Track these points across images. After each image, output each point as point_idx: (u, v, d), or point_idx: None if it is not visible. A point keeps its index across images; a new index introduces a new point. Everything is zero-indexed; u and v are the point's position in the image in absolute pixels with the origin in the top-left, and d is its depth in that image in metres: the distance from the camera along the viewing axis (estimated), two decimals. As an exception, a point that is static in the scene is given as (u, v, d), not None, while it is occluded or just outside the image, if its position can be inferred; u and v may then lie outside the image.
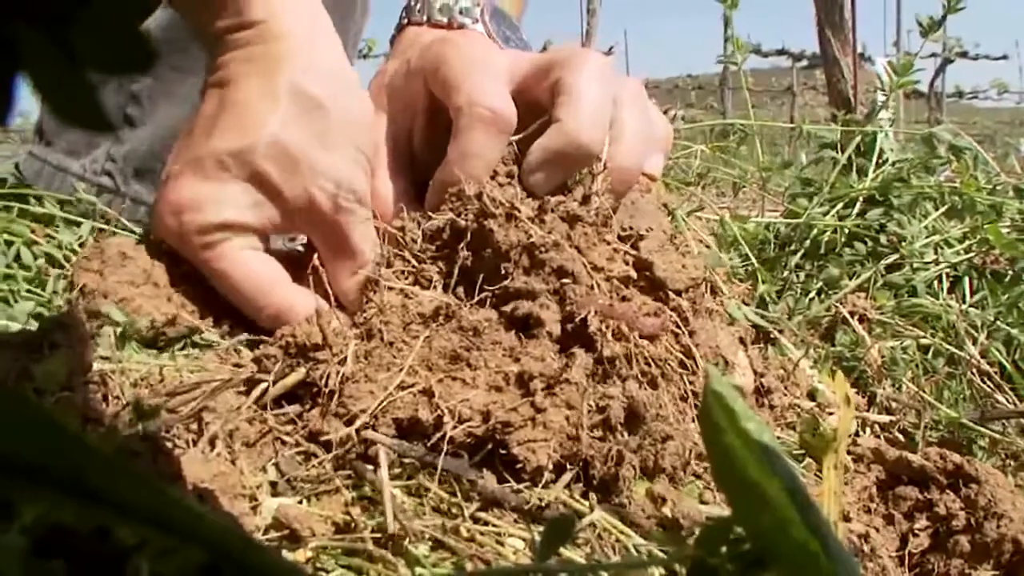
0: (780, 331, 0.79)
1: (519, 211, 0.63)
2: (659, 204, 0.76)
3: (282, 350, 0.59)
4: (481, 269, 0.64)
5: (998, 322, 0.89)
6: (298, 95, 0.68)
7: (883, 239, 0.96)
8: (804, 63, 16.87)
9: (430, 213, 0.69)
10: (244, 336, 0.69)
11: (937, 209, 1.01)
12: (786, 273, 0.96)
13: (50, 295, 0.72)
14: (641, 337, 0.60)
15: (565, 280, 0.61)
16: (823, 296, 0.92)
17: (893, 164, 1.05)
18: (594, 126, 0.68)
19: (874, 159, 1.05)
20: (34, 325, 0.62)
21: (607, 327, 0.58)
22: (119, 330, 0.61)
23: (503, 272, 0.62)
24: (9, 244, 0.77)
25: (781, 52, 16.52)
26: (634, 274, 0.66)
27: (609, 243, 0.67)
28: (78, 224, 0.82)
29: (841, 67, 2.59)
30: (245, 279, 0.69)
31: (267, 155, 0.67)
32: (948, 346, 0.85)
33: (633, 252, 0.67)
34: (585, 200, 0.68)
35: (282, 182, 0.67)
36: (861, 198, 1.01)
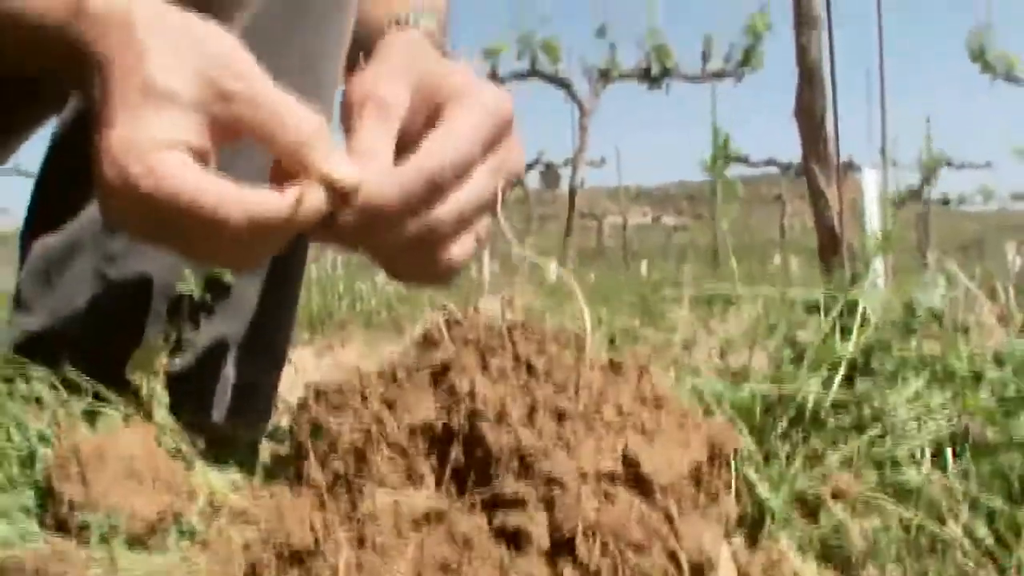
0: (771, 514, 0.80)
1: (510, 412, 0.65)
2: (651, 389, 0.78)
3: (275, 555, 0.60)
4: (472, 469, 0.65)
5: (981, 495, 0.90)
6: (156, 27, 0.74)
7: (867, 410, 0.98)
8: (793, 172, 17.15)
9: (416, 406, 0.70)
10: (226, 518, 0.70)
11: (919, 376, 1.03)
12: (772, 439, 0.97)
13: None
14: (627, 546, 0.61)
15: (554, 488, 0.62)
16: (808, 466, 0.93)
17: (876, 328, 1.07)
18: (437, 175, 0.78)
19: (858, 320, 1.07)
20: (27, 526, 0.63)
21: (594, 540, 0.60)
22: (112, 537, 0.61)
23: (493, 474, 0.64)
24: (0, 425, 0.78)
25: (769, 162, 16.86)
26: (621, 470, 0.67)
27: (598, 434, 0.69)
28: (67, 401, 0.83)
29: (827, 198, 2.66)
30: (201, 190, 0.71)
31: (164, 72, 0.72)
32: (931, 524, 0.86)
33: (621, 445, 0.68)
34: (576, 394, 0.70)
35: (185, 90, 0.72)
36: (845, 361, 1.03)
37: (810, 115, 2.56)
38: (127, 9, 0.75)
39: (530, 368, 0.72)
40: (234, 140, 0.76)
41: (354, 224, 0.77)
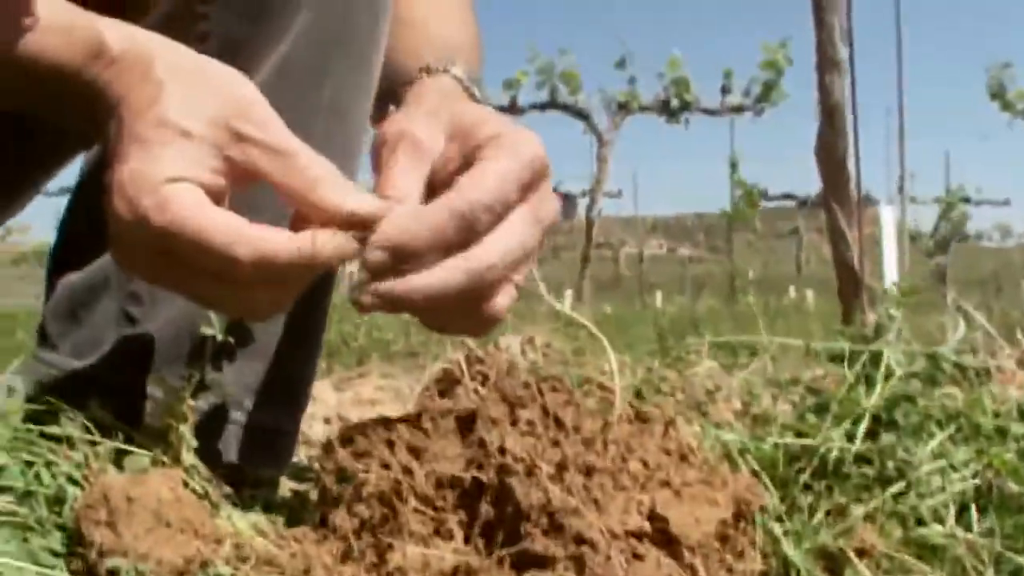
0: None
1: (540, 468, 0.65)
2: (677, 443, 0.78)
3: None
4: (501, 524, 0.65)
5: (1006, 552, 0.90)
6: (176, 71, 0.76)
7: (890, 463, 0.98)
8: (809, 206, 17.15)
9: (443, 455, 0.71)
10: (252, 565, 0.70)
11: (943, 430, 1.03)
12: (795, 491, 0.97)
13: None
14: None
15: (584, 547, 0.62)
16: (831, 520, 0.93)
17: (900, 379, 1.07)
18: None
19: (881, 374, 1.07)
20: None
21: (623, 602, 0.60)
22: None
23: (523, 531, 0.64)
24: (30, 465, 0.78)
25: (787, 196, 16.87)
26: (648, 527, 0.67)
27: (626, 489, 0.69)
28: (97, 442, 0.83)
29: (847, 239, 2.65)
30: (211, 226, 0.71)
31: (180, 111, 0.73)
32: (956, 583, 0.86)
33: (648, 503, 0.69)
34: (604, 448, 0.70)
35: (201, 130, 0.73)
36: (869, 414, 1.03)
37: (831, 155, 2.56)
38: (147, 51, 0.76)
39: (558, 421, 0.72)
40: (249, 185, 0.77)
41: (383, 263, 0.75)
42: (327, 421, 1.60)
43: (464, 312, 0.82)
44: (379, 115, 1.03)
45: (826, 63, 2.54)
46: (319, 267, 0.75)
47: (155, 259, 0.74)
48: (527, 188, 0.80)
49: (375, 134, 0.89)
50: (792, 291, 18.69)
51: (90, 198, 1.03)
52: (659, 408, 0.82)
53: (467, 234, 0.77)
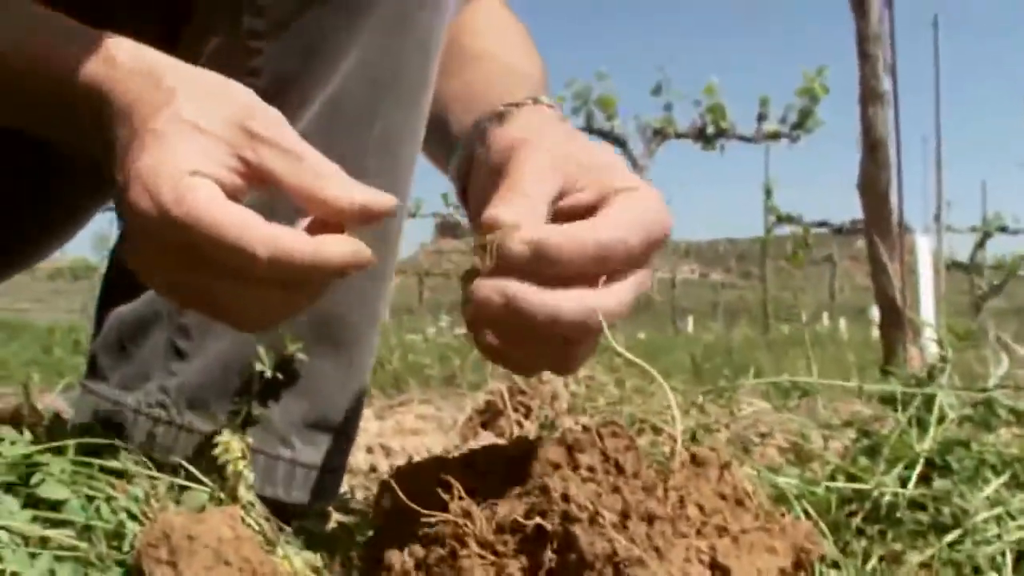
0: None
1: (603, 516, 0.65)
2: (732, 487, 0.78)
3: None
4: (565, 572, 0.65)
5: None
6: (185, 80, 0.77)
7: (946, 510, 0.97)
8: (844, 233, 17.06)
9: (501, 499, 0.71)
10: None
11: (998, 476, 1.02)
12: (847, 537, 0.96)
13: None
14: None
15: (648, 598, 0.62)
16: (886, 567, 0.93)
17: (954, 422, 1.06)
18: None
19: (934, 418, 1.06)
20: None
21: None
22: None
23: (587, 580, 0.64)
24: (90, 499, 0.79)
25: (822, 224, 16.79)
26: (710, 576, 0.67)
27: (686, 536, 0.69)
28: (155, 477, 0.84)
29: (889, 272, 2.64)
30: (228, 219, 0.70)
31: (194, 109, 0.74)
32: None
33: (709, 552, 0.68)
34: (665, 496, 0.70)
35: (215, 127, 0.74)
36: (922, 458, 1.02)
37: (874, 189, 2.55)
38: (157, 63, 0.78)
39: (619, 467, 0.72)
40: (263, 189, 0.77)
41: (521, 256, 0.71)
42: (369, 450, 1.61)
43: (552, 351, 0.79)
44: (440, 149, 1.03)
45: (869, 96, 2.53)
46: (334, 270, 0.73)
47: (169, 257, 0.74)
48: (651, 249, 0.77)
49: (490, 140, 0.89)
50: (825, 318, 18.62)
51: None
52: (715, 451, 0.82)
53: (598, 269, 0.73)
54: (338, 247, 0.73)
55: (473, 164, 0.92)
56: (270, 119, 0.76)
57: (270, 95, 0.80)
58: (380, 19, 0.94)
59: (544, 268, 0.71)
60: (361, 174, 0.78)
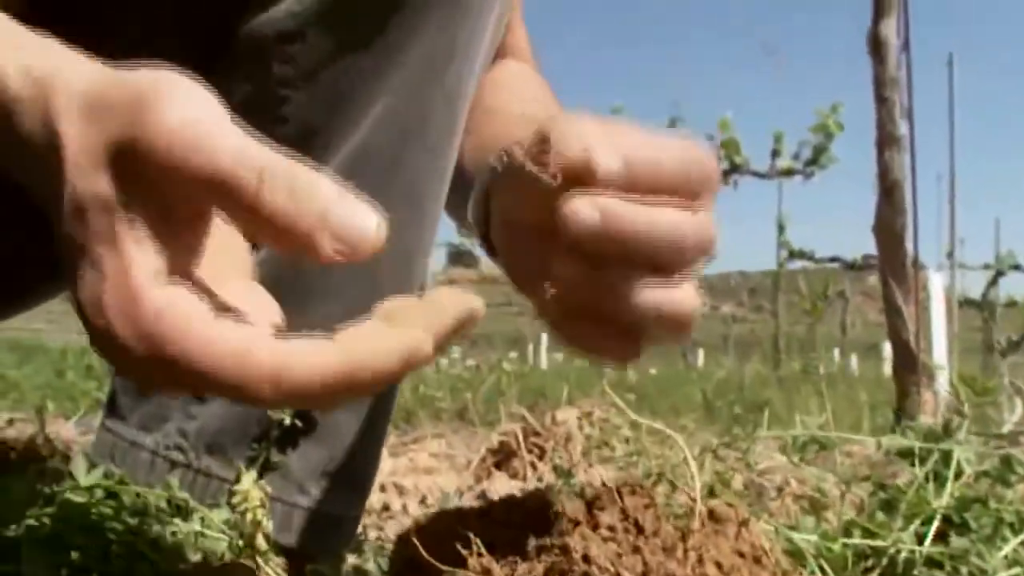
0: None
1: (623, 577, 0.65)
2: (750, 544, 0.78)
3: None
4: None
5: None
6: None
7: (963, 569, 0.97)
8: (856, 268, 17.03)
9: (521, 556, 0.71)
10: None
11: (1016, 534, 1.02)
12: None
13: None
14: None
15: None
16: (902, 624, 0.92)
17: (971, 478, 1.06)
18: None
19: (951, 473, 1.06)
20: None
21: None
22: None
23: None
24: (109, 543, 0.79)
25: (834, 260, 16.76)
26: (728, 639, 0.67)
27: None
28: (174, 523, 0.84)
29: (904, 317, 2.63)
30: (218, 350, 0.54)
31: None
32: None
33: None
34: (685, 556, 0.70)
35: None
36: (940, 515, 1.02)
37: (889, 232, 2.55)
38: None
39: (639, 526, 0.72)
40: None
41: (616, 175, 0.63)
42: (383, 489, 1.61)
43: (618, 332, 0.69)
44: (456, 197, 1.03)
45: (886, 140, 2.54)
46: (383, 377, 0.56)
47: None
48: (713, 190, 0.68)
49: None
50: (837, 354, 18.56)
51: None
52: (733, 507, 0.82)
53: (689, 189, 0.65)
54: (384, 345, 0.57)
55: (491, 193, 0.86)
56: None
57: (297, 142, 0.78)
58: (409, 69, 0.94)
59: (641, 189, 0.63)
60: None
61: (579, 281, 0.66)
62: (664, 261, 0.65)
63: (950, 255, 11.49)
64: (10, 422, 1.95)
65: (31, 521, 0.79)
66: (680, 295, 0.66)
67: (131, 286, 0.54)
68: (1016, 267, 17.19)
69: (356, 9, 0.93)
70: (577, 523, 0.73)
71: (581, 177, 0.63)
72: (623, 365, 0.73)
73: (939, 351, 5.00)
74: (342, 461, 1.00)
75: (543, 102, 1.12)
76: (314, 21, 0.93)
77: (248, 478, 0.86)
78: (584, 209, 0.62)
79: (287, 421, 0.96)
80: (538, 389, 4.74)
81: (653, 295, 0.65)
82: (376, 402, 1.02)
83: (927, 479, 1.08)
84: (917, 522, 1.03)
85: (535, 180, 0.64)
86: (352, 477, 1.02)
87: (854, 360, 16.55)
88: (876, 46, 2.51)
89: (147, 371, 0.56)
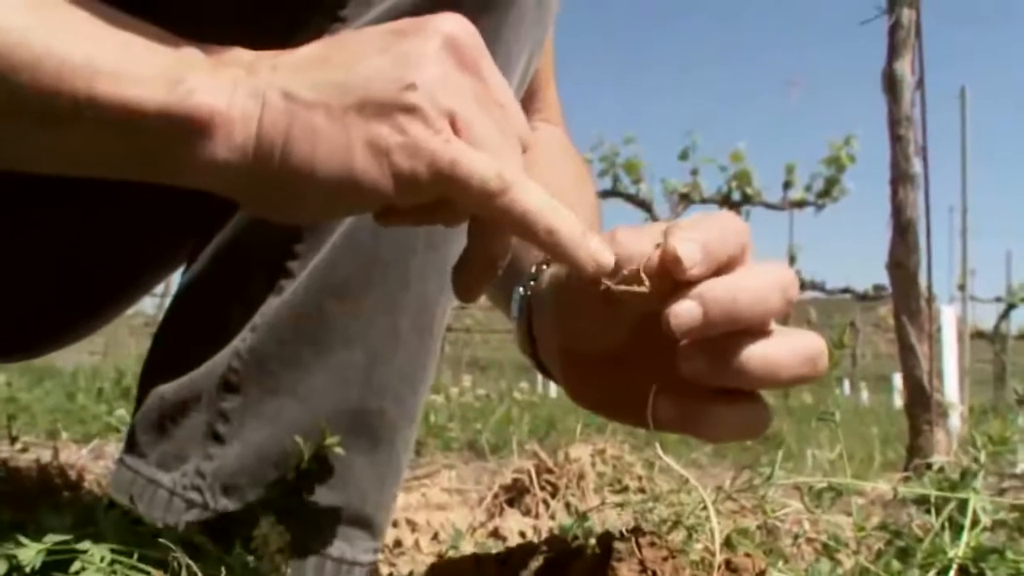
0: None
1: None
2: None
3: None
4: None
5: None
6: None
7: (980, 621, 0.96)
8: (867, 299, 16.99)
9: None
10: None
11: (1033, 586, 1.01)
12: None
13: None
14: None
15: None
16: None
17: (987, 529, 1.06)
18: None
19: (968, 522, 1.06)
20: None
21: None
22: None
23: None
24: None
25: (845, 291, 16.72)
26: None
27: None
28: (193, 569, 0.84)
29: (918, 355, 2.63)
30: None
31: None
32: None
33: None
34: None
35: None
36: (955, 565, 1.02)
37: (903, 270, 2.55)
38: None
39: (656, 578, 0.72)
40: None
41: (698, 262, 0.63)
42: (395, 524, 1.60)
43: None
44: (499, 293, 1.01)
45: (900, 178, 2.54)
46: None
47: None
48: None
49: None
50: (847, 386, 18.49)
51: (188, 314, 1.05)
52: (750, 557, 0.82)
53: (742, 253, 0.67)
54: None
55: (533, 300, 0.88)
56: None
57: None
58: None
59: (714, 265, 0.65)
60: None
61: (704, 370, 0.66)
62: (766, 318, 0.66)
63: (962, 287, 11.45)
64: (24, 449, 1.96)
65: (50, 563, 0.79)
66: (806, 336, 0.67)
67: None
68: (1028, 301, 17.12)
69: None
70: (595, 574, 0.73)
71: (669, 272, 0.63)
72: (761, 433, 0.73)
73: (951, 384, 4.99)
74: (358, 508, 1.01)
75: (576, 194, 1.10)
76: None
77: (267, 523, 0.86)
78: (682, 311, 0.63)
79: (304, 466, 0.96)
80: (548, 419, 4.74)
81: (779, 345, 0.66)
82: (392, 451, 1.02)
83: (943, 527, 1.08)
84: (933, 572, 1.03)
85: (628, 296, 0.65)
86: (368, 523, 1.02)
87: (864, 393, 16.48)
88: (891, 85, 2.52)
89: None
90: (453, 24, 0.68)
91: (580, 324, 0.78)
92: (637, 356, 0.74)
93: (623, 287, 0.65)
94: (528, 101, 1.14)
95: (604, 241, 0.67)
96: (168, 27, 0.72)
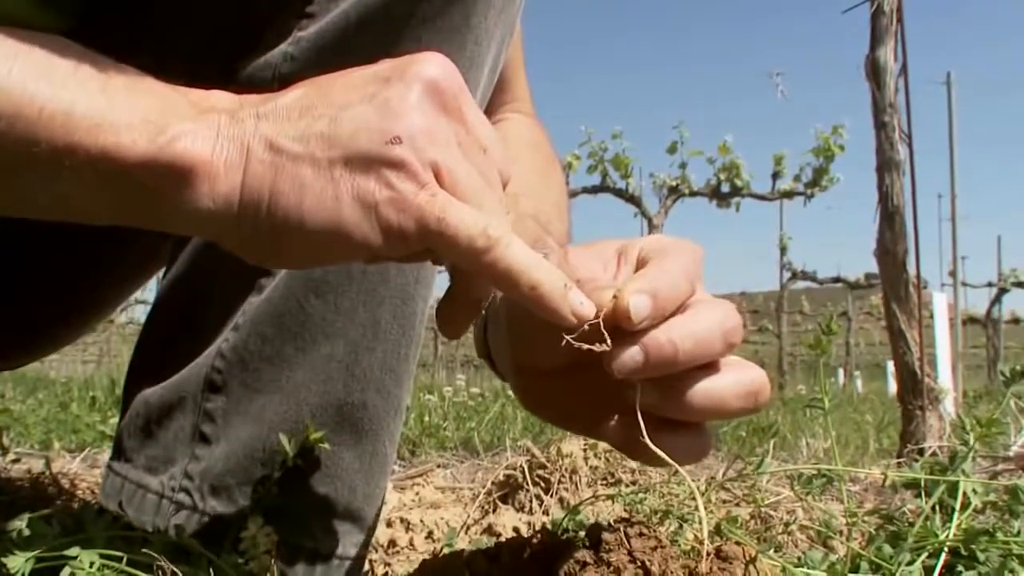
0: None
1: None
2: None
3: None
4: None
5: None
6: None
7: (972, 603, 0.96)
8: (859, 288, 17.03)
9: None
10: None
11: (1024, 566, 1.01)
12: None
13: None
14: None
15: None
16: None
17: (977, 509, 1.06)
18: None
19: (958, 503, 1.06)
20: None
21: None
22: None
23: None
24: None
25: (837, 280, 16.77)
26: None
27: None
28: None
29: (908, 342, 2.63)
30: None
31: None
32: None
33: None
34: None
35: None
36: (947, 547, 1.02)
37: (891, 257, 2.55)
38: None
39: (646, 569, 0.72)
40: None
41: (648, 311, 0.67)
42: (389, 524, 1.60)
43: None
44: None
45: (885, 164, 2.54)
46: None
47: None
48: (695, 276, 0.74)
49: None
50: (841, 374, 18.53)
51: (166, 319, 1.05)
52: (740, 545, 0.82)
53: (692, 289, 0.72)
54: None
55: (489, 312, 0.92)
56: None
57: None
58: None
59: (662, 313, 0.68)
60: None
61: (649, 402, 0.70)
62: (707, 360, 0.70)
63: (952, 273, 11.48)
64: (16, 460, 1.95)
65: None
66: (750, 371, 0.72)
67: None
68: (1020, 284, 17.17)
69: (353, 48, 0.94)
70: (585, 565, 0.73)
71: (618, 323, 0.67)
72: (701, 459, 0.77)
73: (943, 369, 5.00)
74: (345, 502, 1.00)
75: (540, 188, 1.11)
76: (312, 64, 0.93)
77: (255, 524, 0.86)
78: (632, 359, 0.67)
79: (290, 463, 0.96)
80: (542, 416, 4.73)
81: (722, 380, 0.70)
82: (378, 443, 1.02)
83: (934, 510, 1.08)
84: (924, 555, 1.03)
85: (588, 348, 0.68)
86: (356, 517, 1.02)
87: (859, 382, 16.52)
88: (874, 72, 2.52)
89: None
90: (434, 68, 0.68)
91: (531, 343, 0.80)
92: (586, 373, 0.76)
93: (585, 345, 0.67)
94: (499, 91, 1.15)
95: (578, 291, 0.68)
96: (131, 27, 0.71)
